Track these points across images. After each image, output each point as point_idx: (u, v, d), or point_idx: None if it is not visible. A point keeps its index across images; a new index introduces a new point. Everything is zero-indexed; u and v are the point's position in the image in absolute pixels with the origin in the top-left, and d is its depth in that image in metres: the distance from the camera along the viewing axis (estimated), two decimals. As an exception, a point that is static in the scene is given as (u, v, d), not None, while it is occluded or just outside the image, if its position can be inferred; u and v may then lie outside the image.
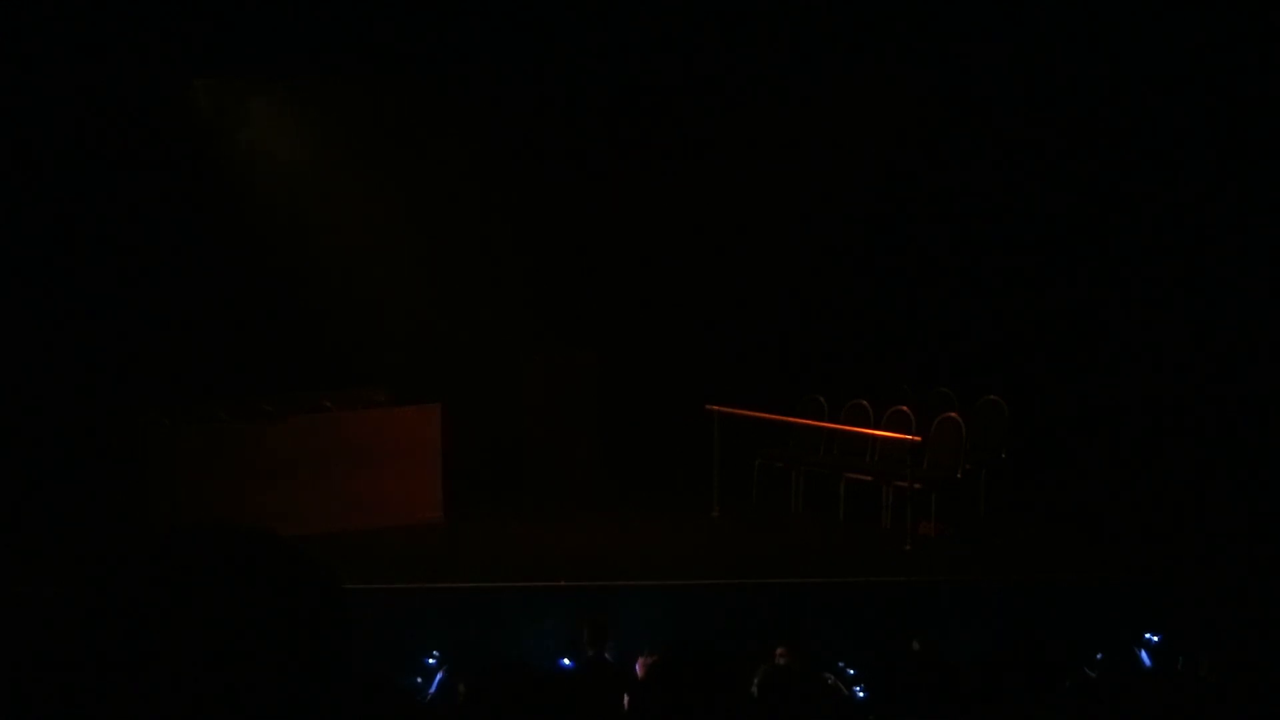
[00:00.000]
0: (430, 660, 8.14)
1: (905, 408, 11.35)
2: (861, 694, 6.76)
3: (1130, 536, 10.45)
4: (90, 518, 10.59)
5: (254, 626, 1.18)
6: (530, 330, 12.36)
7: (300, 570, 1.24)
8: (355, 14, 9.83)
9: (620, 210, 12.87)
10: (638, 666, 7.53)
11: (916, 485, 10.67)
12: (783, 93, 12.56)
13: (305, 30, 9.87)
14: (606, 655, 7.83)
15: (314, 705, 1.20)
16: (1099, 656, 6.72)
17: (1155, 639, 7.59)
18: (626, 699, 5.92)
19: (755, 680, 4.97)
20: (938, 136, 12.38)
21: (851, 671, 7.37)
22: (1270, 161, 10.73)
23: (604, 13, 9.91)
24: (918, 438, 10.73)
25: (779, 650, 7.78)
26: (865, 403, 11.68)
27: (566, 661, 8.06)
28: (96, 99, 11.27)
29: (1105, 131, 11.46)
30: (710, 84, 12.49)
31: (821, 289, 12.55)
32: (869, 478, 11.12)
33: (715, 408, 11.28)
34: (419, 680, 7.80)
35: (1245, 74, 10.39)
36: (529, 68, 11.15)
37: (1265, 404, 10.71)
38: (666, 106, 12.59)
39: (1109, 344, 11.39)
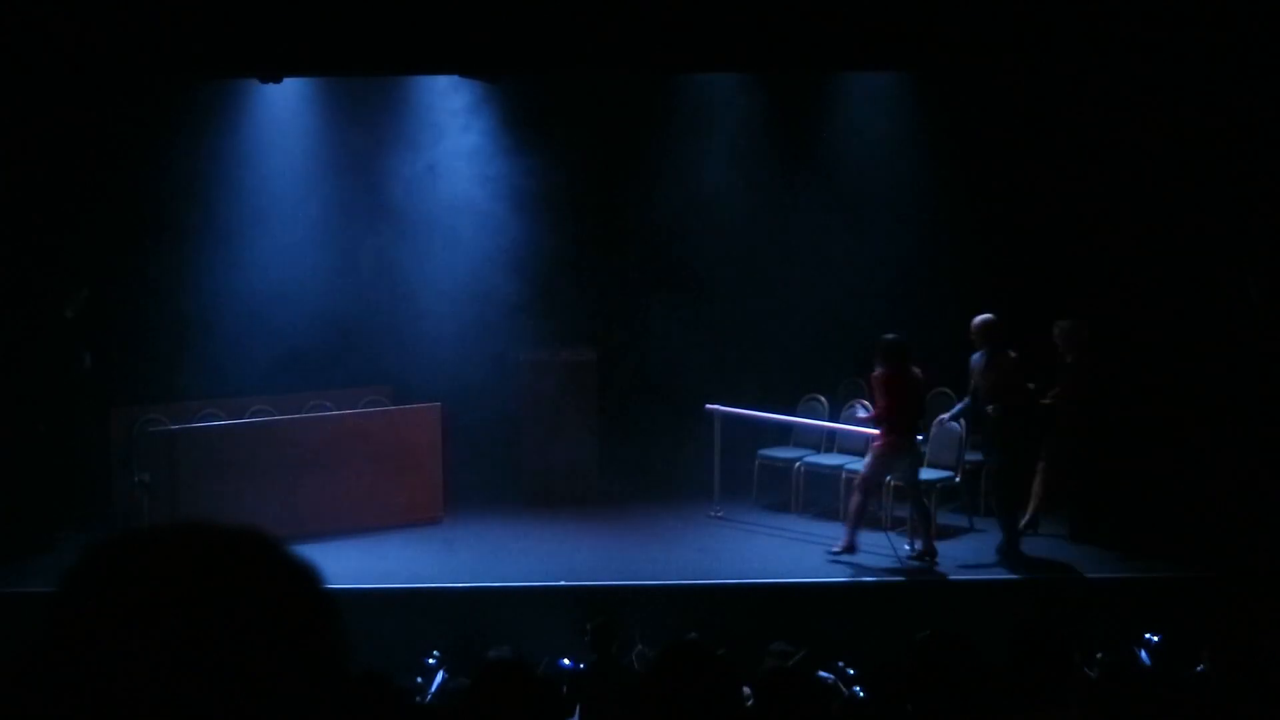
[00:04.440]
0: (430, 660, 8.13)
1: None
2: (861, 694, 6.76)
3: (1131, 536, 10.45)
4: (89, 518, 10.60)
5: (238, 625, 1.18)
6: (530, 330, 12.35)
7: (283, 568, 1.24)
8: (346, 13, 9.83)
9: (620, 210, 12.88)
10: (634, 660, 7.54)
11: (922, 486, 10.67)
12: (776, 92, 12.59)
13: (297, 30, 9.86)
14: (607, 655, 7.84)
15: (302, 704, 1.20)
16: (1099, 656, 6.72)
17: (1155, 639, 7.58)
18: (625, 699, 5.92)
19: (754, 680, 4.97)
20: (934, 136, 12.39)
21: (851, 671, 7.37)
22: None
23: (603, 11, 9.91)
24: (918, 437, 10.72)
25: (777, 649, 7.78)
26: (865, 403, 11.68)
27: (566, 661, 8.06)
28: (100, 98, 11.27)
29: (1102, 132, 11.45)
30: (708, 82, 12.51)
31: (821, 289, 12.54)
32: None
33: (715, 407, 11.28)
34: (419, 680, 7.79)
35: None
36: (528, 66, 11.13)
37: (1263, 400, 10.70)
38: (664, 105, 12.60)
39: (1107, 345, 11.38)
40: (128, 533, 1.23)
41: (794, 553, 10.53)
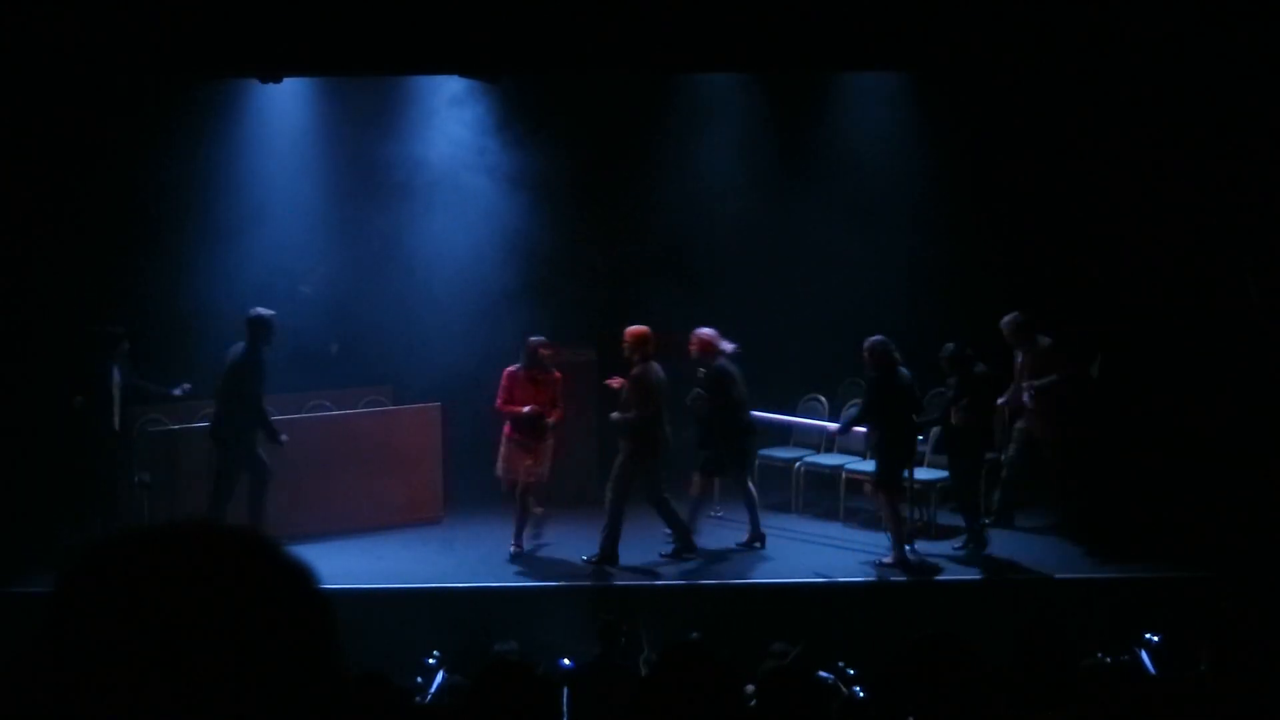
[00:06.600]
0: (430, 660, 8.13)
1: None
2: (861, 694, 6.76)
3: (1132, 536, 10.44)
4: (90, 518, 10.59)
5: (234, 625, 1.18)
6: (530, 330, 12.32)
7: (279, 568, 1.24)
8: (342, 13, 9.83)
9: (621, 208, 12.87)
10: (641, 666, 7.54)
11: (916, 485, 10.67)
12: (776, 92, 12.59)
13: (297, 30, 9.86)
14: (610, 652, 7.85)
15: (298, 704, 1.19)
16: (1099, 656, 6.72)
17: (1155, 639, 7.58)
18: (627, 699, 5.91)
19: (755, 680, 4.98)
20: (935, 135, 12.39)
21: (851, 671, 7.37)
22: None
23: (603, 11, 9.90)
24: (918, 437, 10.72)
25: (778, 649, 7.78)
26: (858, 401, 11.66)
27: (567, 661, 8.06)
28: (99, 98, 11.27)
29: (1102, 132, 11.44)
30: (708, 80, 12.51)
31: (821, 288, 12.53)
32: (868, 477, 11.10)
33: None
34: (419, 680, 7.79)
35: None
36: (528, 66, 11.13)
37: (1263, 400, 10.70)
38: (666, 102, 12.60)
39: (1106, 344, 11.38)
40: (127, 533, 1.23)
41: (794, 553, 10.52)
